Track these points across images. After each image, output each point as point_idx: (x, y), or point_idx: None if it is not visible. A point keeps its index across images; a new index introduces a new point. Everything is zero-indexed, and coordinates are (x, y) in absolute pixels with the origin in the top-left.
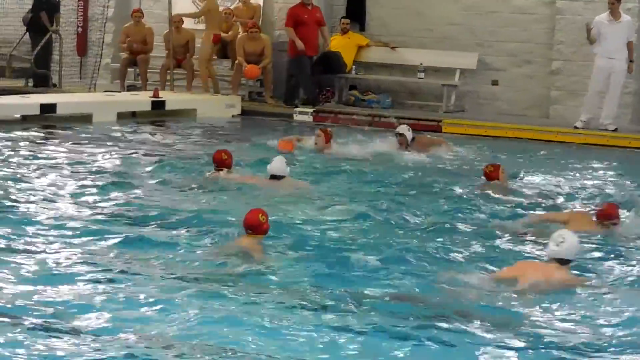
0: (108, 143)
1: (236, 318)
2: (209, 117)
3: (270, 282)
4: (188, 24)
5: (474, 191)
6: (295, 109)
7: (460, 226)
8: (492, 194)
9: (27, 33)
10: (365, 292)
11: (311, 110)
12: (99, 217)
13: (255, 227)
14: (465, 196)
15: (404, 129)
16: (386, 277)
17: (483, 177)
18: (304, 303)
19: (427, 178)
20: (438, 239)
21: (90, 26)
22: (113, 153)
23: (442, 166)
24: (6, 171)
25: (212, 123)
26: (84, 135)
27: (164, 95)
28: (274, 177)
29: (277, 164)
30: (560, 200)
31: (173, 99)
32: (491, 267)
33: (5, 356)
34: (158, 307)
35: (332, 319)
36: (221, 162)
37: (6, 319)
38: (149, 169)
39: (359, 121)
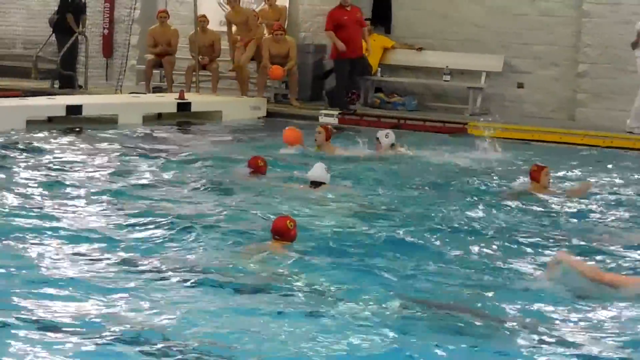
0: (134, 144)
1: (260, 322)
2: (235, 119)
3: (294, 287)
4: (214, 25)
5: (513, 192)
6: (321, 111)
7: (496, 229)
8: (533, 195)
9: (53, 35)
10: (397, 297)
11: (337, 112)
12: (124, 218)
13: (282, 233)
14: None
15: (381, 134)
16: (423, 282)
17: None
18: (328, 309)
19: (455, 180)
20: (478, 243)
21: (116, 28)
22: (139, 155)
23: (476, 168)
24: (33, 173)
25: (238, 125)
26: (110, 136)
27: (189, 97)
28: (313, 183)
29: (318, 171)
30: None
31: (199, 101)
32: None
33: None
34: (182, 307)
35: (357, 325)
36: (257, 168)
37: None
38: (177, 170)
39: (385, 124)
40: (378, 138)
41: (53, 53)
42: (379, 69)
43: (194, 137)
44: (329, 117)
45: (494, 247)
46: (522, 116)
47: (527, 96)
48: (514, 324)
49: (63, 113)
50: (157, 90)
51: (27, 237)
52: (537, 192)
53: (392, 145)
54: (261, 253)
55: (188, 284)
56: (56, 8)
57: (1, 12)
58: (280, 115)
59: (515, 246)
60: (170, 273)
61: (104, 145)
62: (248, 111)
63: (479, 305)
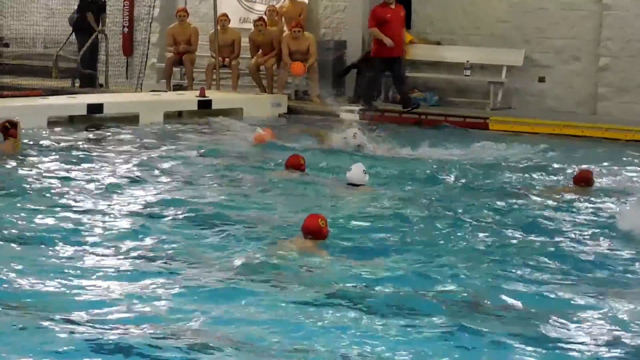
0: (156, 143)
1: (292, 319)
2: (256, 116)
3: (325, 285)
4: (234, 23)
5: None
6: (342, 107)
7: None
8: (576, 197)
9: (74, 33)
10: (431, 297)
11: (358, 108)
12: (156, 216)
13: (314, 232)
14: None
15: (349, 133)
16: (462, 281)
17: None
18: (361, 307)
19: (485, 177)
20: (516, 241)
21: (136, 26)
22: (163, 153)
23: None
24: (55, 172)
25: (259, 122)
26: (132, 135)
27: (210, 94)
28: (351, 184)
29: (356, 172)
30: None
31: (219, 98)
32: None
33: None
34: (213, 304)
35: (389, 323)
36: (297, 166)
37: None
38: (205, 168)
39: (406, 119)
40: (346, 137)
41: (73, 52)
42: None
43: (217, 134)
44: (349, 113)
45: (535, 245)
46: (544, 110)
47: (548, 90)
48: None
49: (84, 112)
50: (177, 88)
51: (53, 236)
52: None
53: (359, 146)
54: (293, 250)
55: (221, 282)
56: (76, 7)
57: (22, 12)
58: (301, 111)
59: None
60: (201, 271)
61: (127, 143)
62: (269, 108)
63: (526, 304)
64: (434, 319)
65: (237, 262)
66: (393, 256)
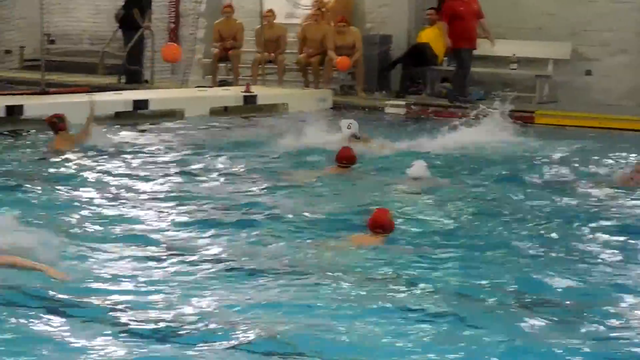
0: (203, 138)
1: (366, 317)
2: (301, 111)
3: (394, 281)
4: (280, 18)
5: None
6: (387, 102)
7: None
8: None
9: (120, 30)
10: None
11: (404, 103)
12: (211, 209)
13: (383, 226)
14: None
15: (344, 123)
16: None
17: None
18: (434, 304)
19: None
20: (584, 237)
21: (181, 22)
22: (211, 148)
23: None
24: (102, 167)
25: (304, 117)
26: (178, 130)
27: (255, 89)
28: (412, 179)
29: (418, 168)
30: None
31: (265, 94)
32: None
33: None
34: (278, 300)
35: (459, 322)
36: (350, 159)
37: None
38: (253, 163)
39: (452, 114)
40: (341, 127)
41: (119, 48)
42: (445, 58)
43: (263, 130)
44: (396, 108)
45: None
46: (590, 104)
47: (594, 83)
48: None
49: (130, 108)
50: (223, 83)
51: (103, 231)
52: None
53: (356, 137)
54: (361, 245)
55: (282, 278)
56: (122, 3)
57: (68, 8)
58: (346, 106)
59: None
60: (259, 267)
61: (172, 139)
62: (314, 103)
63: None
64: (505, 315)
65: (304, 257)
66: (459, 251)
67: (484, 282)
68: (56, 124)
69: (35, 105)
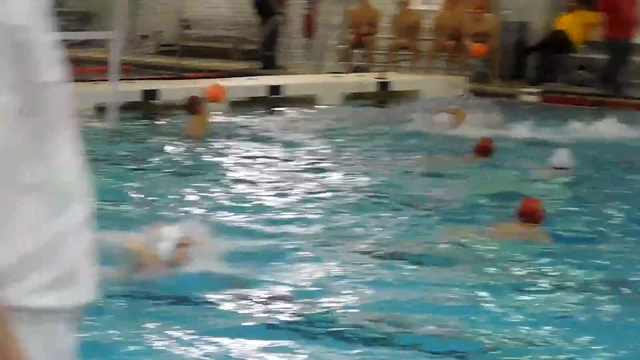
0: (338, 124)
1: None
2: (433, 98)
3: (547, 273)
4: (416, 5)
5: None
6: (522, 89)
7: None
8: None
9: (256, 15)
10: None
11: (538, 90)
12: (348, 199)
13: (532, 215)
14: None
15: (440, 117)
16: None
17: None
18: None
19: None
20: None
21: (317, 8)
22: (346, 134)
23: None
24: (238, 151)
25: (436, 104)
26: (313, 116)
27: (389, 76)
28: (556, 168)
29: (562, 157)
30: None
31: (398, 80)
32: None
33: None
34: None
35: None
36: (488, 150)
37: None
38: (387, 151)
39: (588, 101)
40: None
41: (253, 34)
42: (583, 45)
43: (396, 117)
44: (530, 95)
45: None
46: None
47: None
48: None
49: (265, 93)
50: (357, 70)
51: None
52: None
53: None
54: (514, 234)
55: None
56: None
57: None
58: (479, 93)
59: None
60: (413, 257)
61: (307, 125)
62: (447, 90)
63: None
64: None
65: (451, 247)
66: (609, 242)
67: None
68: (196, 104)
69: (171, 90)
